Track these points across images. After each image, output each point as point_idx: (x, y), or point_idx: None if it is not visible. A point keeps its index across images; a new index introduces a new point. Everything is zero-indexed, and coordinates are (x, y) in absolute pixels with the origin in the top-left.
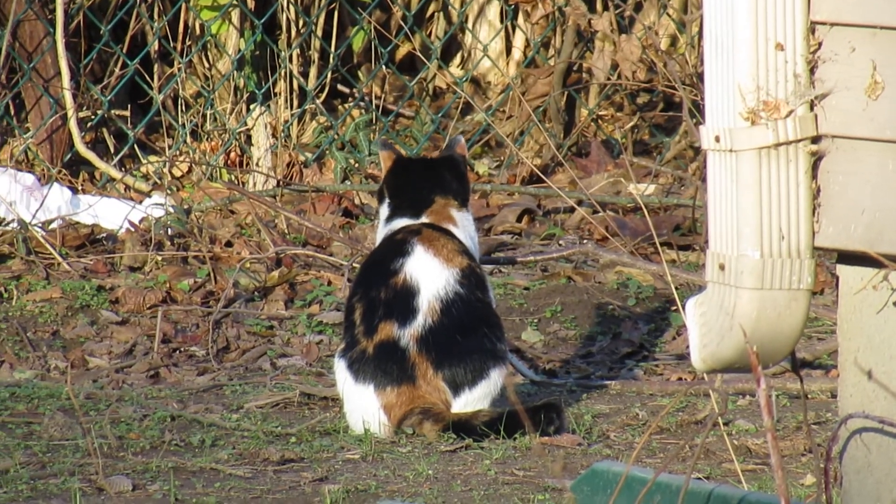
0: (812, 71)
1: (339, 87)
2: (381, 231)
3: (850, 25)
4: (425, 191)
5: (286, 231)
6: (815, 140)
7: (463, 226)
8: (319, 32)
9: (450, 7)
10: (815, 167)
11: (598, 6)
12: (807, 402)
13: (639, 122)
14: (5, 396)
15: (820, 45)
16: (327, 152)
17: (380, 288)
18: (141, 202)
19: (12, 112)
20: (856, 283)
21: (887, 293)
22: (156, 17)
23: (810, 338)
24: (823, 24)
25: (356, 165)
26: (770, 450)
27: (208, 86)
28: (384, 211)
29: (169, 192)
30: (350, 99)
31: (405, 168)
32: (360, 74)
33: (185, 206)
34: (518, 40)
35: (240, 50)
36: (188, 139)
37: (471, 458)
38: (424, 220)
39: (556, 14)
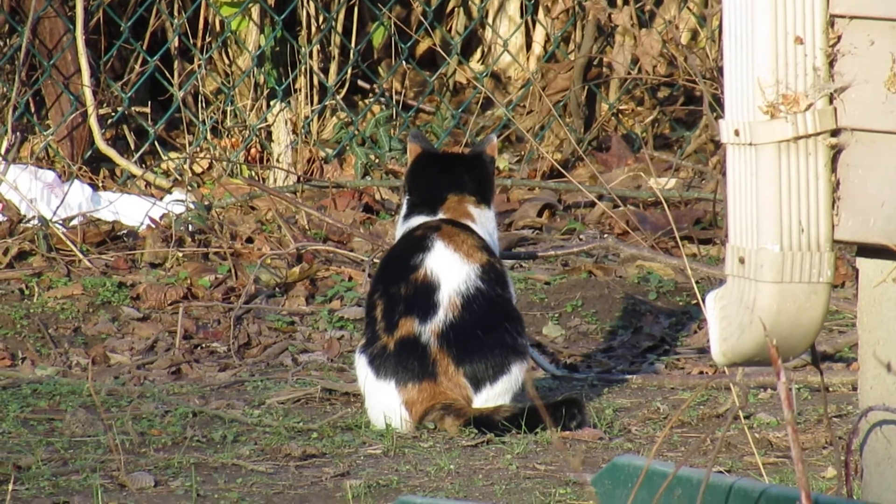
0: (831, 64)
1: (360, 82)
2: (400, 227)
3: (870, 18)
4: (439, 189)
5: (307, 227)
6: (835, 133)
7: (481, 222)
8: (339, 28)
9: (470, 2)
10: (834, 160)
11: (618, 1)
12: (827, 394)
13: (659, 116)
14: (27, 393)
15: (839, 38)
16: (347, 148)
17: (400, 284)
18: (161, 199)
19: (33, 109)
20: (875, 275)
21: None
22: (176, 13)
23: (831, 331)
24: (842, 17)
25: (376, 161)
26: (791, 443)
27: (228, 82)
28: (403, 206)
29: (189, 188)
30: (370, 94)
31: (426, 164)
32: (380, 70)
33: (206, 203)
34: (538, 35)
35: (260, 46)
36: (208, 136)
37: (492, 453)
38: (442, 216)
39: (576, 8)
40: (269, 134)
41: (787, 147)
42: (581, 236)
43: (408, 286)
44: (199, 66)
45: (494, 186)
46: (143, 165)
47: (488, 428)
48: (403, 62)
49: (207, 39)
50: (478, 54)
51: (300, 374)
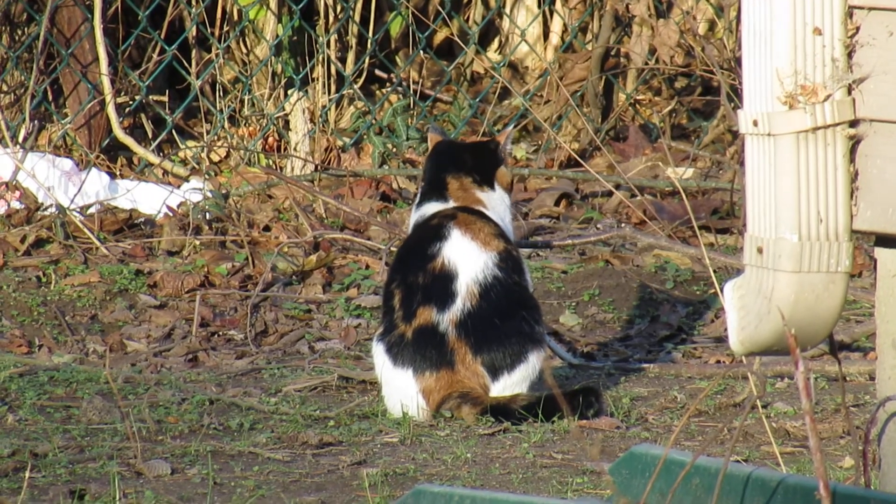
0: (850, 55)
1: (377, 72)
2: (413, 214)
3: (888, 10)
4: (440, 172)
5: (324, 215)
6: (853, 124)
7: (492, 206)
8: (357, 17)
9: None
10: (852, 151)
11: None
12: (845, 384)
13: (677, 106)
14: (44, 380)
15: (857, 29)
16: (365, 137)
17: (418, 273)
18: (179, 187)
19: (50, 98)
20: (894, 265)
21: None
22: (194, 2)
23: (848, 320)
24: (861, 8)
25: (394, 150)
26: (808, 432)
27: (246, 71)
28: (417, 195)
29: (207, 176)
30: (388, 84)
31: (435, 150)
32: (397, 59)
33: (223, 191)
34: (556, 25)
35: (277, 35)
36: (226, 124)
37: (509, 442)
38: (453, 203)
39: None
40: (287, 123)
41: (806, 137)
42: (598, 225)
43: (425, 275)
44: (217, 55)
45: (504, 168)
46: (161, 154)
47: (505, 416)
48: (421, 52)
49: (225, 28)
50: (495, 44)
51: (317, 362)
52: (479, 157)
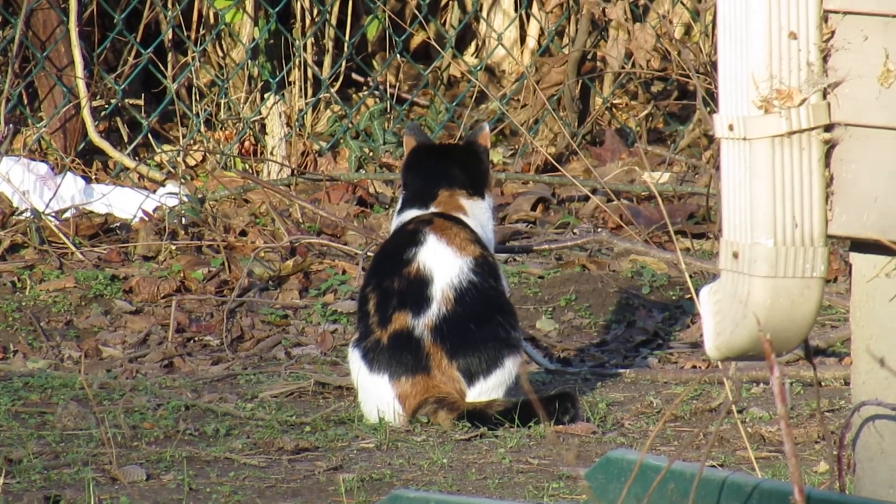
0: (825, 59)
1: (354, 75)
2: (394, 221)
3: (863, 14)
4: (431, 183)
5: (300, 220)
6: (828, 128)
7: (474, 214)
8: (334, 21)
9: None
10: (828, 155)
11: None
12: (820, 389)
13: (653, 110)
14: (19, 386)
15: (833, 33)
16: (341, 141)
17: (393, 278)
18: (155, 191)
19: (25, 101)
20: (869, 270)
21: None
22: (169, 5)
23: (823, 325)
24: (836, 12)
25: (370, 154)
26: (784, 437)
27: (222, 75)
28: (399, 200)
29: (183, 181)
30: (364, 88)
31: (419, 157)
32: (374, 63)
33: (199, 196)
34: (532, 29)
35: (254, 39)
36: (202, 128)
37: (485, 447)
38: (434, 210)
39: (570, 3)
40: (263, 127)
41: (781, 142)
42: (575, 230)
43: (401, 280)
44: (193, 58)
45: (490, 176)
46: (137, 158)
47: (481, 422)
48: (398, 55)
49: (201, 32)
50: (472, 48)
51: (293, 367)
52: (472, 167)
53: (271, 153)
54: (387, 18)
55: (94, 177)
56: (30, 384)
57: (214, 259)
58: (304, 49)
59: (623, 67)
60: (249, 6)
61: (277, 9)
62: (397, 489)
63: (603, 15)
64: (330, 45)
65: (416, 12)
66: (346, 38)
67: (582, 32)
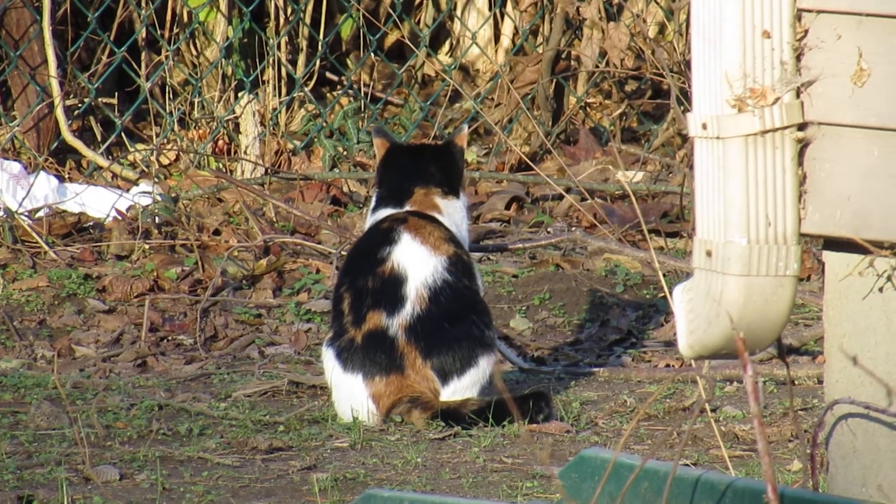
0: (798, 58)
1: (328, 74)
2: (368, 220)
3: (837, 13)
4: (406, 182)
5: (274, 219)
6: (802, 127)
7: (448, 213)
8: (308, 20)
9: None
10: (801, 154)
11: None
12: (793, 388)
13: (627, 109)
14: None
15: (806, 32)
16: (315, 140)
17: (367, 277)
18: (128, 190)
19: None
20: (842, 269)
21: (873, 279)
22: (143, 4)
23: (797, 324)
24: (810, 11)
25: (344, 153)
26: (757, 436)
27: (196, 73)
28: (373, 199)
29: (156, 180)
30: (338, 87)
31: (394, 158)
32: (348, 62)
33: (173, 195)
34: (506, 28)
35: (228, 37)
36: (176, 127)
37: (459, 446)
38: (409, 208)
39: (544, 1)
40: (237, 125)
41: (755, 141)
42: (549, 229)
43: (375, 279)
44: (167, 57)
45: (464, 176)
46: (110, 157)
47: (455, 421)
48: (372, 54)
49: (175, 30)
50: (446, 47)
51: (267, 366)
52: (447, 167)
53: (245, 152)
54: (361, 17)
55: (67, 176)
56: (2, 383)
57: (188, 258)
58: (278, 48)
59: (597, 66)
60: (223, 5)
61: (251, 7)
62: (371, 489)
63: (577, 14)
64: (304, 43)
65: (391, 11)
66: (321, 36)
67: (556, 31)
